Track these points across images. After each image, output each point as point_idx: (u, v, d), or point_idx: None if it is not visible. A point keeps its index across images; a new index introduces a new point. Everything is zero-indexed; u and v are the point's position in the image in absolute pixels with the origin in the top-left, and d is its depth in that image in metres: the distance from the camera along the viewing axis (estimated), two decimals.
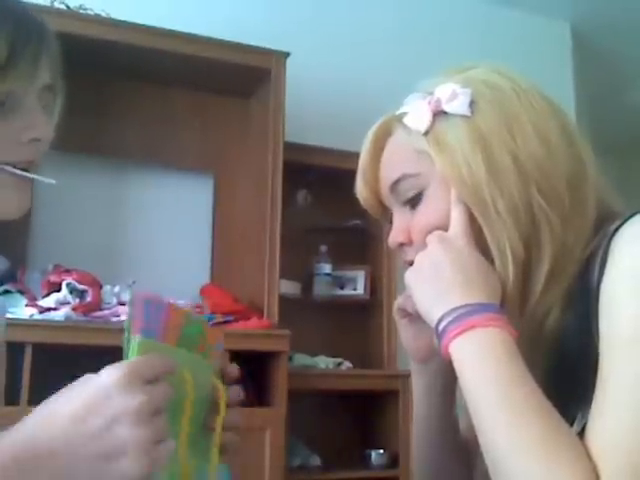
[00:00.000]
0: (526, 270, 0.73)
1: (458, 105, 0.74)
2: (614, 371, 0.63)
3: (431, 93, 0.77)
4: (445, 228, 0.74)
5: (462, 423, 0.89)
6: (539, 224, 0.72)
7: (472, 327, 0.67)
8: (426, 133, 0.75)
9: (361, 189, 0.85)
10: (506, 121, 0.74)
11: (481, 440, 0.65)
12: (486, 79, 0.78)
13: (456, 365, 0.68)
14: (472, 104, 0.75)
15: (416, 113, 0.77)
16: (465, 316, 0.68)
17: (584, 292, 0.70)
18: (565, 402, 0.68)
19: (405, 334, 0.85)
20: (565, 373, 0.73)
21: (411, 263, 0.76)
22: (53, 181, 0.77)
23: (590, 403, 0.65)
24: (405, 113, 0.79)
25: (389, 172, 0.80)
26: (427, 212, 0.76)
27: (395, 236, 0.79)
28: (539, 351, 0.75)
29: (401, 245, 0.79)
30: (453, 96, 0.75)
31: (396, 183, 0.78)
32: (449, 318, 0.69)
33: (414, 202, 0.77)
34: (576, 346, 0.71)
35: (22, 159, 0.72)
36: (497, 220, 0.72)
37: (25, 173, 0.73)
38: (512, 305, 0.73)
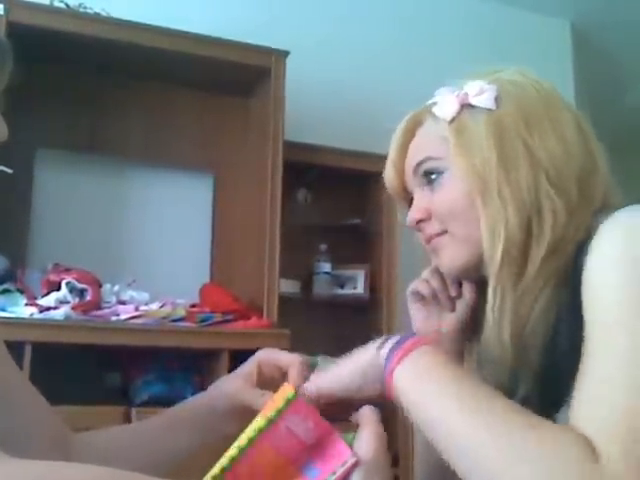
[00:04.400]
0: (524, 250, 0.76)
1: (484, 99, 0.81)
2: (599, 355, 0.63)
3: (461, 88, 0.84)
4: (459, 208, 0.80)
5: None
6: (543, 211, 0.75)
7: (405, 354, 0.69)
8: (451, 121, 0.81)
9: (389, 172, 0.90)
10: (526, 116, 0.79)
11: (461, 463, 0.63)
12: (511, 79, 0.83)
13: (401, 395, 0.68)
14: (497, 99, 0.80)
15: (444, 103, 0.83)
16: (395, 348, 0.70)
17: (574, 278, 0.72)
18: (556, 400, 0.70)
19: (416, 317, 0.90)
20: (557, 372, 0.74)
21: (429, 239, 0.83)
22: (10, 170, 0.78)
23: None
24: (435, 103, 0.84)
25: (415, 155, 0.85)
26: (444, 192, 0.82)
27: (414, 214, 0.85)
28: (530, 350, 0.76)
29: (419, 223, 0.84)
30: (481, 91, 0.81)
31: (419, 164, 0.84)
32: (387, 353, 0.70)
33: (434, 182, 0.83)
34: (568, 340, 0.72)
35: None
36: (498, 205, 0.76)
37: None
38: (506, 279, 0.76)
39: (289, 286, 2.68)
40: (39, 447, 0.77)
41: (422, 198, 0.84)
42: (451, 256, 0.82)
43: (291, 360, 0.79)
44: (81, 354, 2.23)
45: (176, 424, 0.84)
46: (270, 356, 0.83)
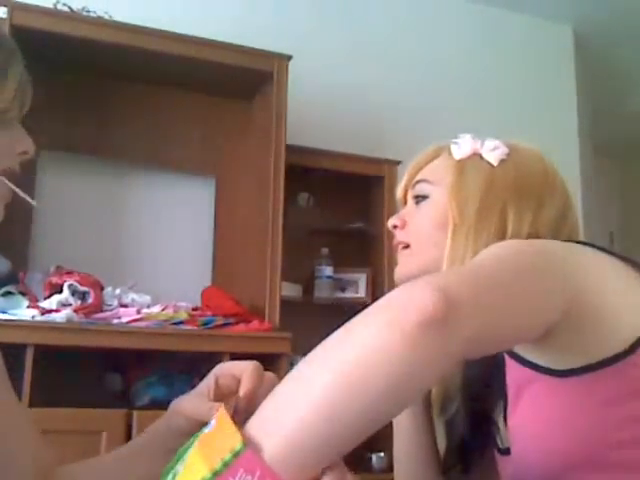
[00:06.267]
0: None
1: (492, 155, 0.93)
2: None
3: (482, 140, 0.96)
4: (425, 230, 0.95)
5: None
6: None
7: None
8: (459, 161, 0.95)
9: (400, 184, 1.04)
10: (518, 186, 0.90)
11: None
12: (525, 150, 0.96)
13: None
14: (502, 160, 0.93)
15: (461, 145, 0.96)
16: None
17: None
18: (479, 411, 0.87)
19: None
20: (474, 387, 0.90)
21: (396, 245, 0.98)
22: (34, 202, 0.82)
23: (505, 404, 0.80)
24: (456, 142, 0.98)
25: (419, 175, 0.99)
26: (422, 213, 0.96)
27: (393, 219, 1.00)
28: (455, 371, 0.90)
29: (395, 228, 0.99)
30: (494, 148, 0.94)
31: (417, 182, 0.98)
32: None
33: (420, 200, 0.97)
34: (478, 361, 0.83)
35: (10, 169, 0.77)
36: (464, 242, 0.89)
37: (17, 189, 0.77)
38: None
39: (291, 289, 2.68)
40: (21, 477, 0.77)
41: (407, 210, 1.00)
42: (402, 268, 0.96)
43: (245, 367, 0.76)
44: (82, 357, 2.24)
45: (135, 452, 0.83)
46: (226, 368, 0.80)
